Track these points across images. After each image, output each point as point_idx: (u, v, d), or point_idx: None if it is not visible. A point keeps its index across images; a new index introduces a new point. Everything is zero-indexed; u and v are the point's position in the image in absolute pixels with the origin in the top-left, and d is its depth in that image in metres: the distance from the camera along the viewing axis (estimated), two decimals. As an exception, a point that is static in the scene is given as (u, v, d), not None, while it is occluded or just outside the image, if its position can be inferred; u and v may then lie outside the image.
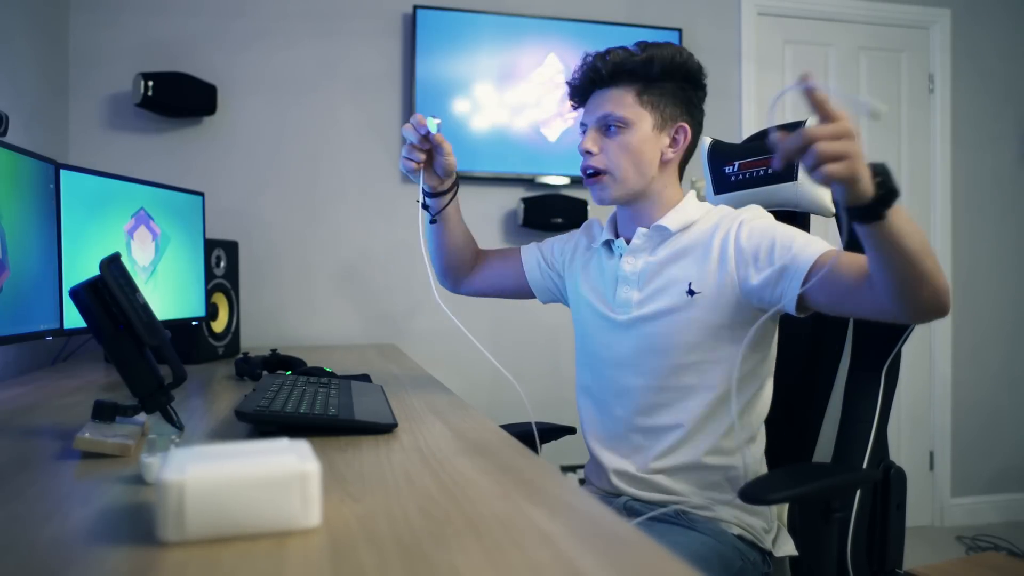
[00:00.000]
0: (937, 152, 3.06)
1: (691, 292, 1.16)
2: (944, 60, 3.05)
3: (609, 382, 1.25)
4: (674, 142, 1.22)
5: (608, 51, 1.21)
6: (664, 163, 1.22)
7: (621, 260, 1.25)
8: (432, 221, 1.34)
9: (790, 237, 1.10)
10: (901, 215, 0.85)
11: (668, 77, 1.20)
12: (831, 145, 0.76)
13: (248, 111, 2.42)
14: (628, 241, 1.25)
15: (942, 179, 3.06)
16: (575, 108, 1.29)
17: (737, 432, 1.18)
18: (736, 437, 1.18)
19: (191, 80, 2.26)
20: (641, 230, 1.23)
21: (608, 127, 1.20)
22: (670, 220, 1.21)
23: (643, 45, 1.20)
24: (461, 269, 1.44)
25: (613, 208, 1.31)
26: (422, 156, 1.24)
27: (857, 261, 1.00)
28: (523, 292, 1.46)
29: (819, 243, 1.08)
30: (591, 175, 1.22)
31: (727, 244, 1.14)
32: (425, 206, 1.31)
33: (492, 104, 2.57)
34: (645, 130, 1.19)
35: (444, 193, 1.31)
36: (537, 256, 1.43)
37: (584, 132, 1.24)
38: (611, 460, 1.24)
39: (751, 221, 1.15)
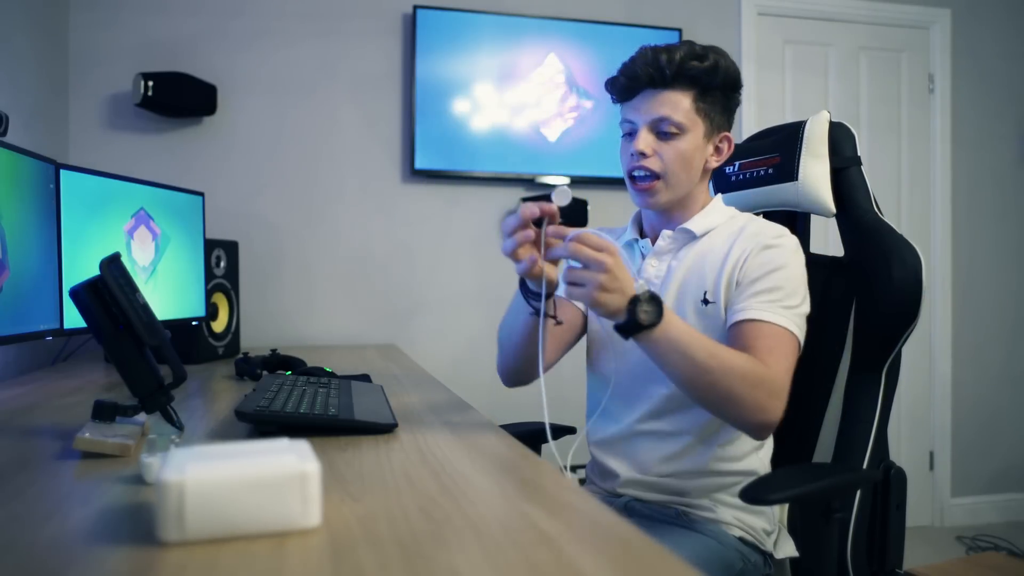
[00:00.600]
0: (937, 152, 3.06)
1: (705, 302, 1.15)
2: (944, 60, 3.05)
3: (620, 386, 1.23)
4: (717, 151, 1.20)
5: (670, 49, 1.14)
6: (705, 171, 1.21)
7: (645, 262, 1.23)
8: (558, 322, 1.06)
9: (777, 284, 1.09)
10: (667, 344, 0.96)
11: (723, 87, 1.17)
12: (574, 273, 0.92)
13: (248, 111, 2.41)
14: (652, 242, 1.24)
15: (942, 179, 3.06)
16: (616, 102, 1.23)
17: (745, 440, 1.18)
18: (744, 445, 1.18)
19: (191, 80, 2.26)
20: (666, 232, 1.22)
21: (663, 132, 1.15)
22: (696, 224, 1.20)
23: (701, 50, 1.15)
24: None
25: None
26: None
27: (744, 349, 1.05)
28: (581, 335, 1.32)
29: (782, 312, 1.07)
30: (642, 179, 1.17)
31: (739, 262, 1.13)
32: (539, 311, 1.01)
33: (492, 104, 2.57)
34: (698, 138, 1.16)
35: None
36: None
37: (630, 131, 1.19)
38: (614, 463, 1.24)
39: (768, 250, 1.12)
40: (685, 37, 2.69)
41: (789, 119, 1.99)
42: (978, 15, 3.08)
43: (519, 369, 1.21)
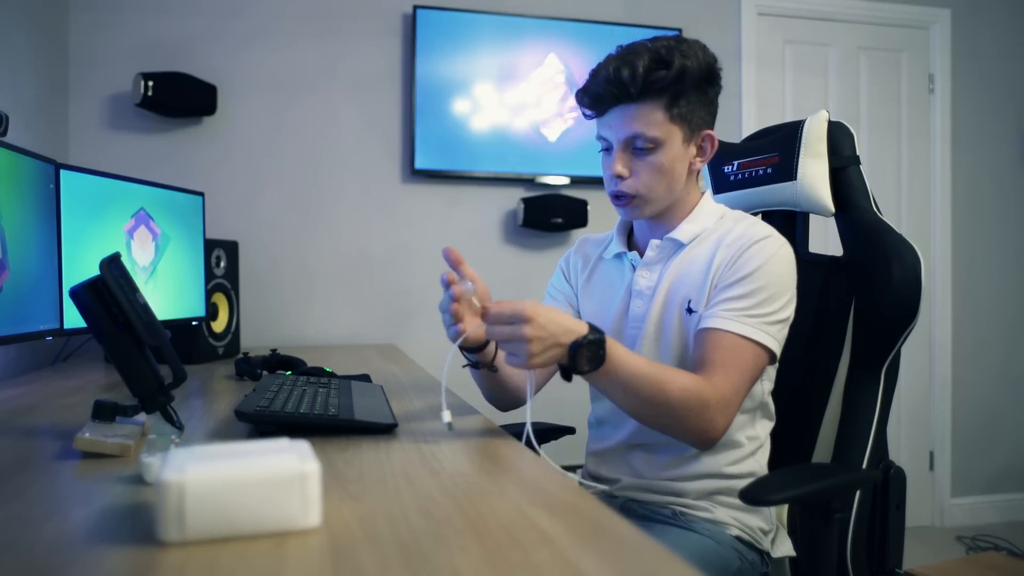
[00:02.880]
0: (937, 152, 3.06)
1: (690, 311, 1.14)
2: (944, 60, 3.05)
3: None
4: (701, 151, 1.18)
5: (632, 61, 1.09)
6: (690, 173, 1.18)
7: (636, 273, 1.21)
8: (492, 370, 1.15)
9: (748, 291, 1.08)
10: (609, 382, 0.99)
11: (696, 86, 1.12)
12: (506, 346, 0.95)
13: (248, 111, 2.41)
14: (641, 252, 1.22)
15: (942, 179, 3.06)
16: (589, 118, 1.18)
17: (742, 444, 1.18)
18: (742, 449, 1.18)
19: (191, 80, 2.26)
20: (654, 242, 1.20)
21: (638, 148, 1.12)
22: (683, 232, 1.18)
23: (667, 53, 1.09)
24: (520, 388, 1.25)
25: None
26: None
27: (699, 358, 1.07)
28: None
29: (747, 321, 1.06)
30: (623, 198, 1.16)
31: (719, 269, 1.12)
32: (474, 363, 1.14)
33: (492, 104, 2.57)
34: (676, 146, 1.13)
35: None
36: (564, 307, 1.32)
37: (606, 148, 1.17)
38: (611, 474, 1.23)
39: (745, 254, 1.11)
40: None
41: (789, 119, 1.99)
42: (978, 15, 3.08)
43: (500, 400, 1.25)
